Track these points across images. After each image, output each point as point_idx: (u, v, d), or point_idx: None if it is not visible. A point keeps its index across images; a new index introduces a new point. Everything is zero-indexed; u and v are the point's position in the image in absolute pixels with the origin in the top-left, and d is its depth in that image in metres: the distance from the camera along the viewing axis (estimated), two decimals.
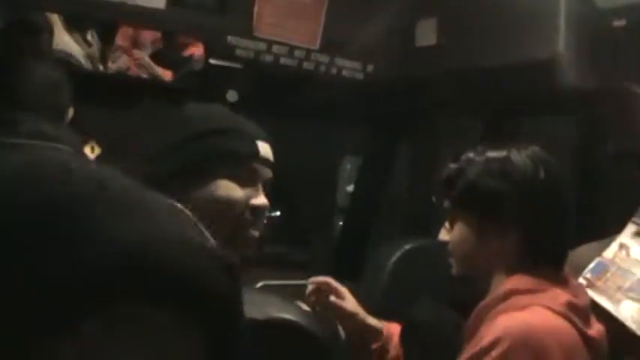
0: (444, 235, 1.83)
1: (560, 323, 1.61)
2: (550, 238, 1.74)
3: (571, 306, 1.63)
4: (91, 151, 2.85)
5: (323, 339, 1.06)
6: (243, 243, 1.65)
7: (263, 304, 1.13)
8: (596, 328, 1.67)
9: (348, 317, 1.87)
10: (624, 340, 1.78)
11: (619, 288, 1.83)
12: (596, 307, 1.76)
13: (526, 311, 1.62)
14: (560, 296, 1.64)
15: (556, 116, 3.38)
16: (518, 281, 1.68)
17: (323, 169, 4.76)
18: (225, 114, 1.73)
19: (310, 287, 1.98)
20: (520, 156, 1.73)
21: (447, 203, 1.80)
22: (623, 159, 2.55)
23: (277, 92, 3.19)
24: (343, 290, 1.92)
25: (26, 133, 2.21)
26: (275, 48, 3.00)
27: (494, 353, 1.53)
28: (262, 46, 2.98)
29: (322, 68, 3.10)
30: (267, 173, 1.71)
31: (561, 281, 1.70)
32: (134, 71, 4.04)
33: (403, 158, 3.77)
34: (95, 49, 4.00)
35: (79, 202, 0.67)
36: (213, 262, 0.69)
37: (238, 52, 2.96)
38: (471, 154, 1.77)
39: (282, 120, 3.22)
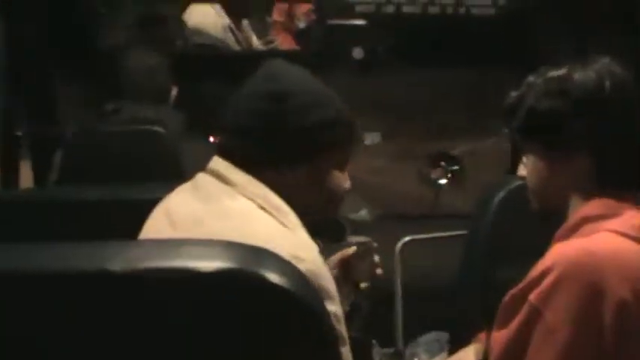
0: (522, 171, 1.67)
1: (627, 246, 1.41)
2: (625, 157, 1.53)
3: None
4: None
5: None
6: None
7: None
8: None
9: None
10: None
11: None
12: None
13: (588, 237, 1.45)
14: (634, 218, 1.46)
15: None
16: (591, 207, 1.50)
17: None
18: (329, 92, 1.66)
19: None
20: (584, 71, 1.54)
21: (512, 135, 1.66)
22: None
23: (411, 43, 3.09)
24: None
25: (125, 120, 2.36)
26: None
27: (544, 284, 1.39)
28: None
29: (449, 9, 2.94)
30: None
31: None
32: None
33: None
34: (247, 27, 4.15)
35: None
36: None
37: (358, 8, 2.89)
38: (531, 78, 1.61)
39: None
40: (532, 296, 1.40)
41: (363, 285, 1.82)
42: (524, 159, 1.69)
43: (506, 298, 1.46)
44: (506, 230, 2.01)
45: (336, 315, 1.40)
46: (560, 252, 1.45)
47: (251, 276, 0.89)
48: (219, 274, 0.87)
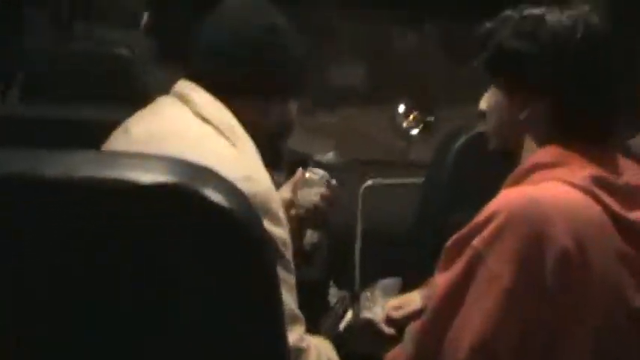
0: (483, 104, 1.65)
1: (575, 196, 1.41)
2: (586, 107, 1.52)
3: (599, 180, 1.43)
4: None
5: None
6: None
7: None
8: None
9: None
10: None
11: None
12: None
13: (536, 185, 1.44)
14: (585, 169, 1.45)
15: None
16: (544, 154, 1.50)
17: None
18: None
19: None
20: (559, 15, 1.53)
21: (480, 66, 1.64)
22: None
23: None
24: None
25: (96, 41, 2.33)
26: None
27: (488, 229, 1.38)
28: None
29: None
30: None
31: (599, 157, 1.49)
32: None
33: None
34: None
35: None
36: None
37: None
38: (508, 12, 1.59)
39: None
40: (475, 241, 1.39)
41: (300, 211, 1.81)
42: (487, 93, 1.67)
43: (450, 242, 1.45)
44: (462, 177, 2.02)
45: (283, 241, 1.41)
46: (506, 198, 1.44)
47: (188, 192, 0.88)
48: (154, 188, 0.86)
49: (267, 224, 1.33)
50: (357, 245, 2.96)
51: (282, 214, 1.43)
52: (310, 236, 2.96)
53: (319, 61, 3.87)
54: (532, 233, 1.37)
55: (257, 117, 1.53)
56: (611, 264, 1.40)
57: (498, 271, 1.37)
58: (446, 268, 1.45)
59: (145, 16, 2.44)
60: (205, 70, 1.53)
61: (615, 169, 1.49)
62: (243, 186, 1.01)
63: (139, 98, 1.60)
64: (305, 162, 3.19)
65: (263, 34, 1.55)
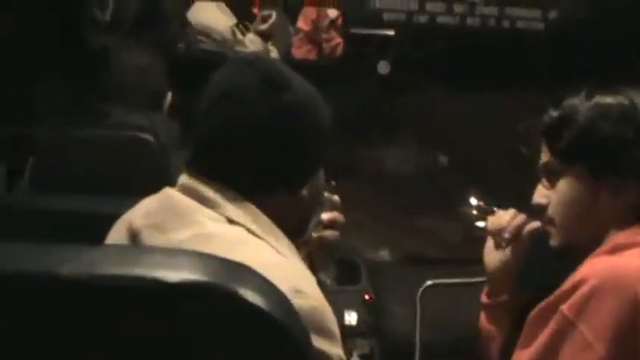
0: (539, 197, 1.70)
1: None
2: None
3: None
4: None
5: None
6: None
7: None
8: None
9: None
10: None
11: None
12: None
13: (624, 254, 1.53)
14: None
15: None
16: (625, 236, 1.57)
17: None
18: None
19: None
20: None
21: (547, 157, 1.70)
22: None
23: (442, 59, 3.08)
24: None
25: (112, 125, 2.34)
26: (429, 5, 2.89)
27: (577, 295, 1.46)
28: (414, 5, 2.89)
29: (491, 22, 2.93)
30: None
31: None
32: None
33: None
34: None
35: None
36: None
37: (386, 15, 2.90)
38: (575, 101, 1.67)
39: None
40: (564, 307, 1.46)
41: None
42: (544, 185, 1.71)
43: (534, 312, 1.51)
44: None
45: (341, 358, 1.36)
46: (596, 265, 1.52)
47: (225, 292, 0.87)
48: (186, 286, 0.85)
49: (320, 342, 1.28)
50: (416, 357, 2.89)
51: (336, 329, 1.38)
52: (361, 347, 2.92)
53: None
54: (629, 300, 1.44)
55: (287, 211, 1.43)
56: None
57: (592, 339, 1.44)
58: (531, 339, 1.51)
59: (169, 97, 2.46)
60: (211, 165, 1.42)
61: None
62: (293, 301, 1.00)
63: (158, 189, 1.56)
64: (354, 262, 3.18)
65: (281, 117, 1.43)
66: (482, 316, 1.83)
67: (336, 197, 1.67)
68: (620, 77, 1.81)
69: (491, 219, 1.81)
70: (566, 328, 1.47)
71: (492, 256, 1.76)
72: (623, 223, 1.61)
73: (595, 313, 1.45)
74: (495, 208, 1.81)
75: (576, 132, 1.63)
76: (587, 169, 1.62)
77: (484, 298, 1.81)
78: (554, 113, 1.69)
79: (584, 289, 1.46)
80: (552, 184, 1.67)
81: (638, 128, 1.61)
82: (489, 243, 1.77)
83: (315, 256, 1.66)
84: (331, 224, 1.66)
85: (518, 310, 1.80)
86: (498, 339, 1.82)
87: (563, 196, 1.65)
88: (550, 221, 1.66)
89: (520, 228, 1.72)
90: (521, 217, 1.73)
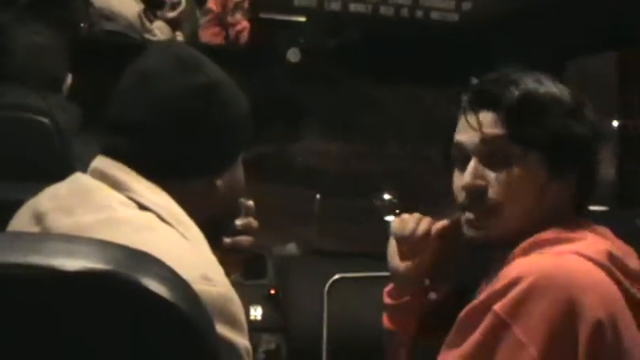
0: (477, 178, 1.60)
1: (599, 274, 1.48)
2: (592, 188, 1.65)
3: (613, 259, 1.52)
4: None
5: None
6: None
7: None
8: None
9: None
10: None
11: None
12: None
13: (558, 255, 1.50)
14: (599, 244, 1.54)
15: None
16: (555, 231, 1.56)
17: None
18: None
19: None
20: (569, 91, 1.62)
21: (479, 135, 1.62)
22: None
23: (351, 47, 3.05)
24: None
25: (6, 106, 2.26)
26: None
27: (511, 294, 1.43)
28: None
29: (404, 12, 2.91)
30: None
31: (603, 234, 1.58)
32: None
33: None
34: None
35: None
36: None
37: (297, 1, 2.85)
38: (531, 85, 1.60)
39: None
40: (497, 307, 1.44)
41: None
42: (475, 167, 1.63)
43: (464, 312, 1.49)
44: None
45: (247, 350, 1.34)
46: (531, 264, 1.49)
47: (122, 280, 0.82)
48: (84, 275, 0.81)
49: (226, 331, 1.28)
50: (324, 353, 2.86)
51: (243, 318, 1.35)
52: (266, 342, 2.89)
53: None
54: (565, 301, 1.43)
55: (199, 198, 1.43)
56: (637, 341, 1.49)
57: (526, 340, 1.43)
58: (459, 340, 1.48)
59: (69, 79, 2.39)
60: (129, 147, 1.41)
61: (622, 249, 1.57)
62: (200, 287, 0.99)
63: (60, 177, 1.49)
64: (261, 256, 3.14)
65: (195, 98, 1.43)
66: (385, 317, 1.77)
67: (250, 202, 1.64)
68: (534, 70, 1.78)
69: (393, 224, 1.73)
70: (500, 329, 1.46)
71: (396, 260, 1.69)
72: (561, 220, 1.57)
73: (529, 314, 1.44)
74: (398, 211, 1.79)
75: (542, 123, 1.56)
76: (546, 156, 1.56)
77: (386, 299, 1.75)
78: (515, 91, 1.58)
79: (517, 289, 1.44)
80: (493, 166, 1.57)
81: (588, 122, 1.60)
82: (393, 245, 1.70)
83: (227, 260, 1.64)
84: (245, 229, 1.64)
85: (424, 310, 1.76)
86: (404, 341, 1.80)
87: (516, 181, 1.55)
88: (493, 207, 1.56)
89: (425, 236, 1.66)
90: (426, 221, 1.67)
